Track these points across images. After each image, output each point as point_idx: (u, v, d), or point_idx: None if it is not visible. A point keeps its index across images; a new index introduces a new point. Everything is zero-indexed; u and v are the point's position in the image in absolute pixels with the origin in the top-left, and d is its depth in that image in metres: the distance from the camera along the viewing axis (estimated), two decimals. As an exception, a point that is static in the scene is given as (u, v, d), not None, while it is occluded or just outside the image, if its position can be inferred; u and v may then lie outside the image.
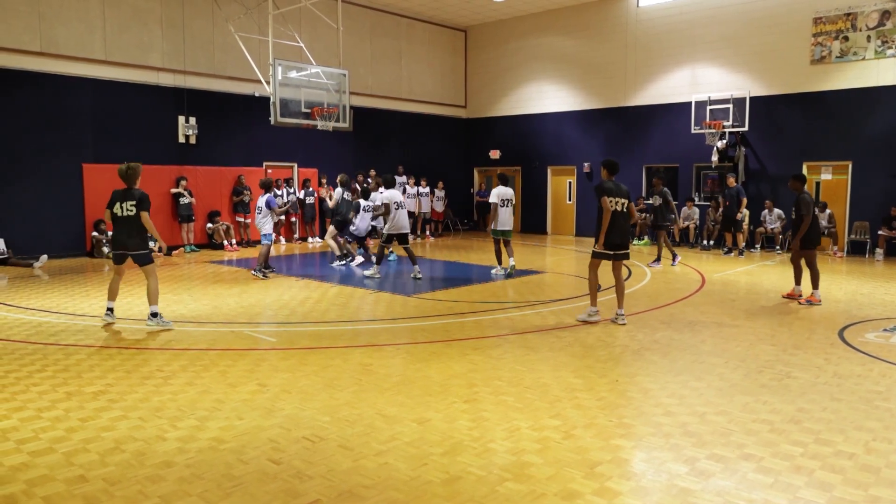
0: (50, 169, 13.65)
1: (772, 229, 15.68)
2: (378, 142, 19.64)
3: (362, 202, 12.24)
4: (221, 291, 10.01)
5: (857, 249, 15.14)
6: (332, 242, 12.93)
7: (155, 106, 15.12)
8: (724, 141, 16.41)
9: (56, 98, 13.75)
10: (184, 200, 15.21)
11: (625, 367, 6.08)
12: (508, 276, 11.57)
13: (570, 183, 20.28)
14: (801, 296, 9.35)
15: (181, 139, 15.57)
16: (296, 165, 17.84)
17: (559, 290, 10.31)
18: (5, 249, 12.76)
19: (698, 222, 16.88)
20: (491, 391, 5.31)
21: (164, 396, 5.17)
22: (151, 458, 4.02)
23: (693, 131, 16.86)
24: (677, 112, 17.45)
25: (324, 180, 17.86)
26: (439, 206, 19.91)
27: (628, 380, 5.69)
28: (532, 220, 21.19)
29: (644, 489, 3.66)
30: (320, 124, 13.63)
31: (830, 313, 8.51)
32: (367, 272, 11.40)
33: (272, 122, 13.17)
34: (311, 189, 17.68)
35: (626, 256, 7.82)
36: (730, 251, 15.04)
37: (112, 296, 7.73)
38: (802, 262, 9.41)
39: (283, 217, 16.77)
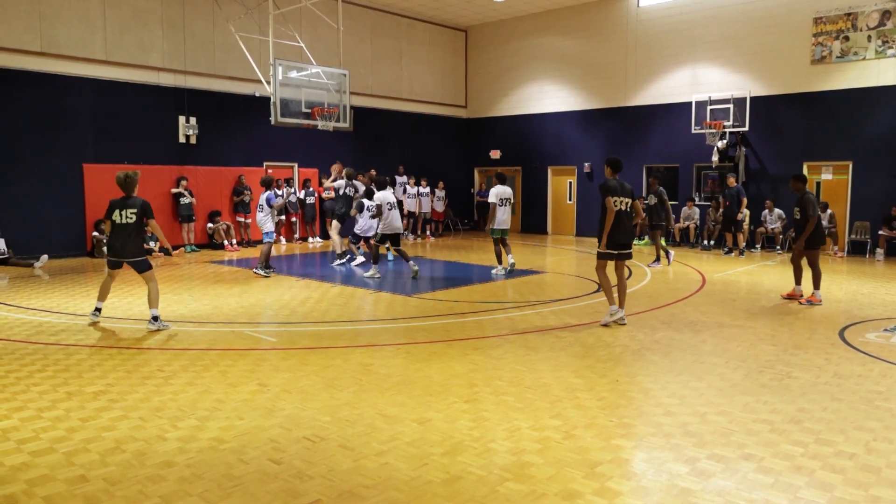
0: (50, 169, 13.65)
1: (772, 229, 15.68)
2: (378, 142, 19.64)
3: (366, 202, 12.27)
4: (222, 291, 10.02)
5: (857, 249, 15.14)
6: (335, 237, 12.99)
7: (155, 106, 15.12)
8: (725, 141, 16.41)
9: (57, 98, 13.75)
10: (184, 200, 15.22)
11: (625, 367, 6.08)
12: (510, 273, 11.61)
13: (570, 183, 20.28)
14: (801, 296, 9.34)
15: (181, 139, 15.58)
16: (296, 165, 17.84)
17: (560, 290, 10.31)
18: (6, 249, 12.76)
19: (699, 222, 16.88)
20: (491, 391, 5.31)
21: (165, 396, 5.17)
22: (152, 458, 4.02)
23: (693, 131, 16.86)
24: (678, 112, 17.45)
25: (324, 180, 17.86)
26: (440, 206, 19.91)
27: (629, 380, 5.69)
28: (532, 220, 21.19)
29: (644, 489, 3.66)
30: (321, 124, 13.63)
31: (831, 313, 8.51)
32: (367, 273, 11.40)
33: (272, 122, 13.17)
34: (311, 189, 17.69)
35: (629, 256, 7.80)
36: (730, 251, 15.04)
37: (102, 296, 7.75)
38: (803, 262, 9.40)
39: (282, 217, 16.80)
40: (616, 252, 7.66)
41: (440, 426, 4.55)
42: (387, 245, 11.74)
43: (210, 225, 15.89)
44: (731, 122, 16.24)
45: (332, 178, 13.32)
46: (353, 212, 12.47)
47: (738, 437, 4.38)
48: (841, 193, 15.40)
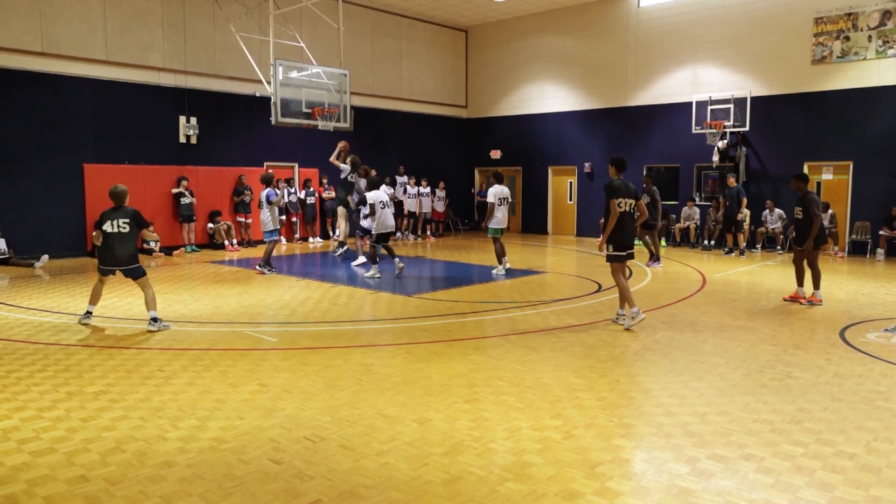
0: (51, 169, 13.66)
1: (773, 229, 15.67)
2: (379, 142, 19.63)
3: (368, 196, 12.28)
4: (222, 291, 10.02)
5: (858, 249, 15.14)
6: (342, 224, 13.11)
7: (156, 106, 15.13)
8: (725, 141, 16.41)
9: (57, 98, 13.76)
10: (185, 200, 15.22)
11: (626, 367, 6.08)
12: (504, 271, 11.76)
13: (570, 183, 20.27)
14: (804, 297, 9.31)
15: (182, 139, 15.58)
16: (296, 165, 17.84)
17: (560, 290, 10.31)
18: (6, 249, 12.77)
19: (699, 222, 16.88)
20: (492, 391, 5.31)
21: (165, 396, 5.17)
22: (152, 458, 4.03)
23: (694, 131, 16.86)
24: (678, 112, 17.45)
25: (324, 180, 17.87)
26: (440, 206, 19.90)
27: (629, 380, 5.69)
28: (533, 221, 21.19)
29: (645, 489, 3.66)
30: (321, 124, 13.63)
31: (831, 313, 8.51)
32: (367, 273, 11.41)
33: (273, 122, 13.17)
34: (311, 189, 17.69)
35: (632, 256, 7.80)
36: (731, 251, 15.04)
37: (93, 300, 7.77)
38: (804, 262, 9.38)
39: (283, 217, 16.79)
40: (625, 253, 7.66)
41: (440, 426, 4.55)
42: (379, 248, 11.80)
43: (210, 225, 15.89)
44: (731, 122, 16.24)
45: (335, 153, 13.33)
46: (353, 204, 12.54)
47: (739, 437, 4.38)
48: (841, 193, 15.40)
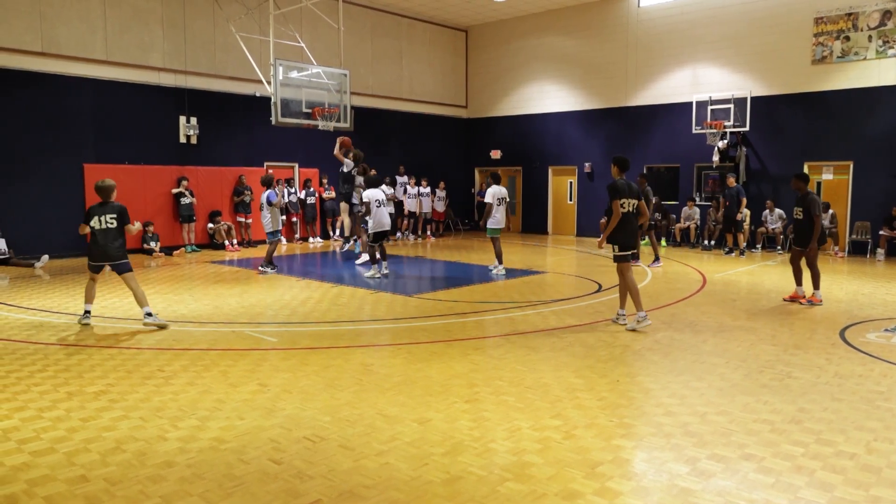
0: (51, 169, 13.66)
1: (773, 229, 15.67)
2: (379, 142, 19.63)
3: (364, 195, 12.28)
4: (222, 291, 10.02)
5: (858, 249, 15.14)
6: (346, 220, 13.11)
7: (156, 106, 15.13)
8: (726, 141, 16.41)
9: (57, 98, 13.76)
10: (185, 200, 15.22)
11: (626, 367, 6.08)
12: (494, 272, 11.86)
13: (570, 183, 20.27)
14: (803, 297, 9.31)
15: (182, 139, 15.58)
16: (297, 165, 17.84)
17: (560, 290, 10.31)
18: (6, 249, 12.77)
19: (699, 222, 16.88)
20: (492, 391, 5.31)
21: (165, 396, 5.17)
22: (152, 458, 4.03)
23: (694, 131, 16.86)
24: (678, 112, 17.45)
25: (325, 180, 17.87)
26: (440, 206, 19.90)
27: (629, 380, 5.69)
28: (533, 220, 21.18)
29: (645, 489, 3.66)
30: (321, 124, 13.64)
31: (831, 313, 8.51)
32: (367, 273, 11.41)
33: (273, 123, 13.18)
34: (311, 189, 17.69)
35: (636, 257, 7.78)
36: (731, 251, 15.04)
37: (89, 299, 7.78)
38: (803, 262, 9.37)
39: (284, 217, 16.80)
40: (629, 253, 7.66)
41: (440, 426, 4.55)
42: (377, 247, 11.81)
43: (211, 225, 15.89)
44: (731, 122, 16.24)
45: (337, 146, 13.35)
46: (354, 198, 12.60)
47: (739, 437, 4.38)
48: (842, 193, 15.40)
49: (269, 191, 11.61)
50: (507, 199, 11.85)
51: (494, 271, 11.82)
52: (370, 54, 19.57)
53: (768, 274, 12.11)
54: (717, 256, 14.86)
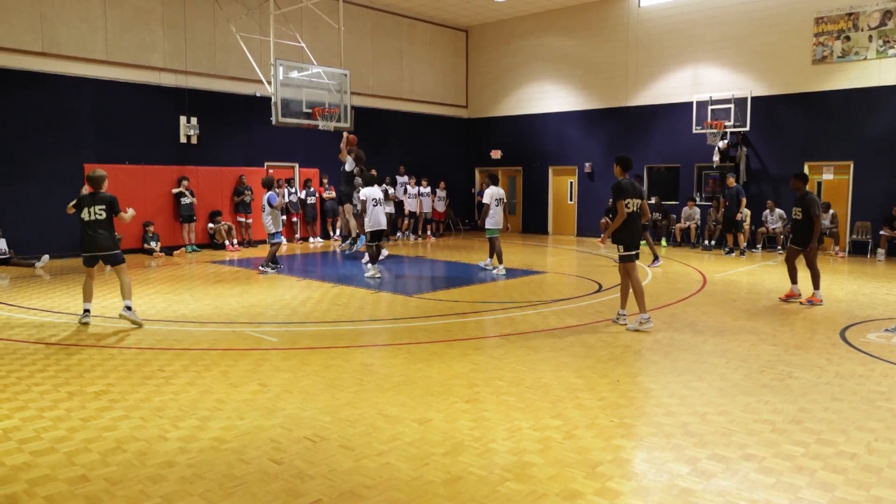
0: (51, 169, 13.66)
1: (773, 229, 15.67)
2: (379, 142, 19.63)
3: (361, 193, 12.29)
4: (223, 291, 10.02)
5: (858, 249, 15.13)
6: (350, 220, 13.12)
7: (156, 106, 15.13)
8: (726, 141, 16.41)
9: (57, 98, 13.76)
10: (185, 200, 15.22)
11: (626, 367, 6.08)
12: (482, 270, 12.03)
13: (571, 183, 20.27)
14: (799, 295, 9.32)
15: (182, 139, 15.58)
16: (297, 165, 17.84)
17: (561, 290, 10.31)
18: (7, 249, 12.77)
19: (699, 222, 16.88)
20: (492, 391, 5.31)
21: (166, 396, 5.17)
22: (153, 458, 4.03)
23: (694, 131, 16.86)
24: (679, 112, 17.45)
25: (325, 180, 17.87)
26: (440, 206, 19.90)
27: (630, 380, 5.69)
28: (533, 220, 21.18)
29: (645, 489, 3.66)
30: (321, 124, 13.63)
31: (832, 313, 8.51)
32: (367, 273, 11.41)
33: (273, 123, 13.17)
34: (312, 189, 17.69)
35: (637, 257, 7.79)
36: (731, 251, 15.04)
37: (87, 298, 7.79)
38: (800, 262, 9.35)
39: (284, 217, 16.80)
40: (634, 253, 7.67)
41: (441, 426, 4.55)
42: (380, 246, 11.83)
43: (211, 225, 15.89)
44: (732, 122, 16.24)
45: (344, 141, 13.39)
46: (353, 196, 12.62)
47: (739, 437, 4.38)
48: (842, 193, 15.39)
49: (269, 192, 11.62)
50: (505, 200, 11.92)
51: (496, 271, 11.82)
52: (370, 54, 19.57)
53: (768, 274, 12.10)
54: (717, 256, 14.86)
